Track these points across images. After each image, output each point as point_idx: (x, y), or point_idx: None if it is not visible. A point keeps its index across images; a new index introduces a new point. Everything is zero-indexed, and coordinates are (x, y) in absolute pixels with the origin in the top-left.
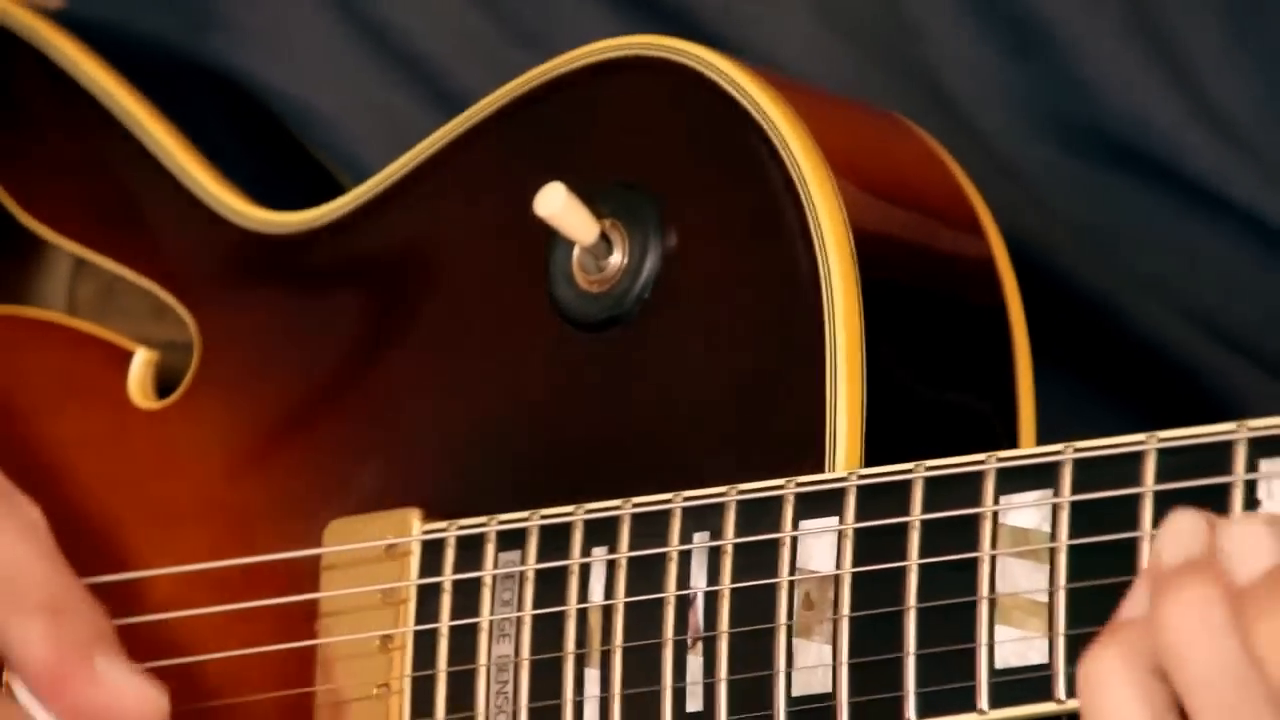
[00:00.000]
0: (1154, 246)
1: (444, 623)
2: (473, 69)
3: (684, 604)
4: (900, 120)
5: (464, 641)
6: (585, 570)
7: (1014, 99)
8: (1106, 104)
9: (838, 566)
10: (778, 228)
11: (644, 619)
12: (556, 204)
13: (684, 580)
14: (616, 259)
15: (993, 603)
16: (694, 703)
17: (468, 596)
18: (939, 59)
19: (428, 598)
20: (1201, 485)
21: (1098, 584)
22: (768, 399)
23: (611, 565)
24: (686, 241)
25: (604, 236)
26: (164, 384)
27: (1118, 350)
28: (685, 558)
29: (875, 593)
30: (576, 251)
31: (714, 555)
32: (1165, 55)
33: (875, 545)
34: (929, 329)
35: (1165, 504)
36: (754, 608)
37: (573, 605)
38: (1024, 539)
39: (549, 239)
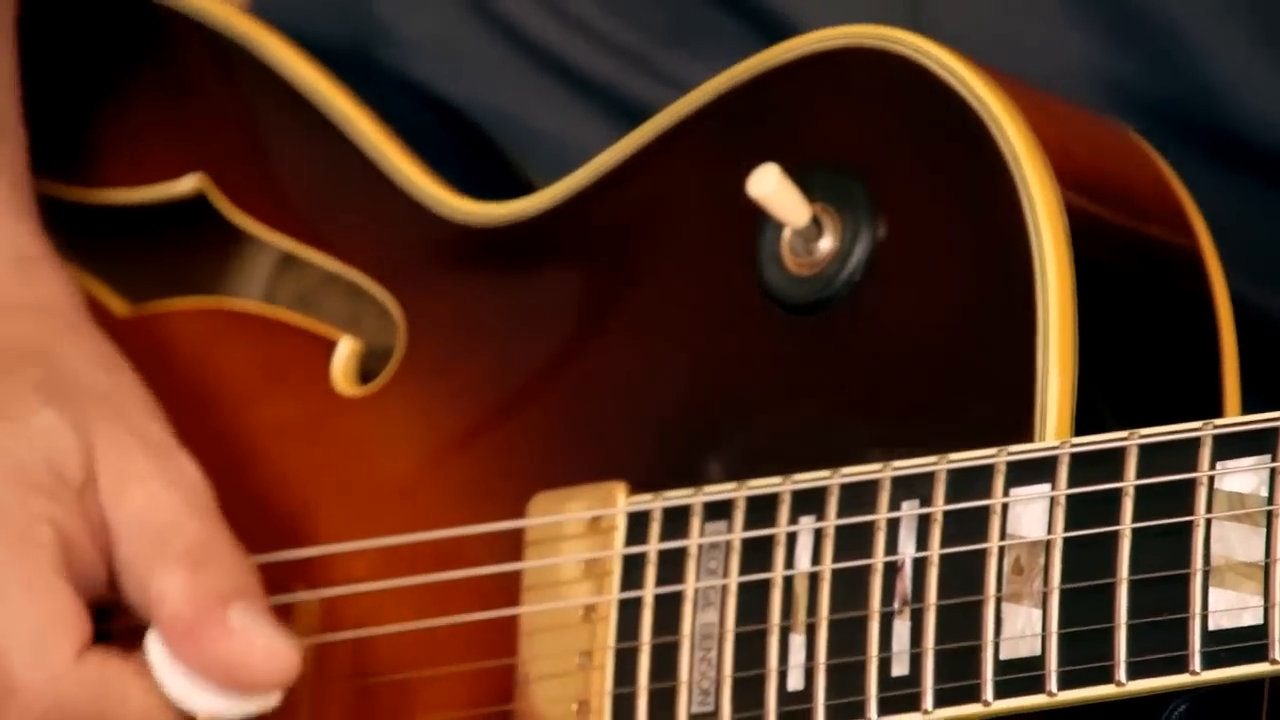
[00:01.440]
0: None
1: (648, 590)
2: (613, 67)
3: (891, 570)
4: (1103, 115)
5: (668, 610)
6: (791, 539)
7: (1143, 105)
8: (1239, 110)
9: (1049, 532)
10: (993, 210)
11: (850, 585)
12: (770, 185)
13: (891, 547)
14: (827, 243)
15: (1207, 566)
16: (900, 667)
17: (673, 567)
18: (1067, 65)
19: (631, 570)
20: None
21: None
22: (978, 376)
23: (819, 534)
24: (898, 225)
25: (815, 220)
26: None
27: (1254, 348)
28: (893, 526)
29: (1087, 557)
30: (786, 234)
31: (923, 522)
32: None
33: (1087, 511)
34: (1137, 309)
35: None
36: (962, 573)
37: (779, 573)
38: (1240, 503)
39: (757, 223)
